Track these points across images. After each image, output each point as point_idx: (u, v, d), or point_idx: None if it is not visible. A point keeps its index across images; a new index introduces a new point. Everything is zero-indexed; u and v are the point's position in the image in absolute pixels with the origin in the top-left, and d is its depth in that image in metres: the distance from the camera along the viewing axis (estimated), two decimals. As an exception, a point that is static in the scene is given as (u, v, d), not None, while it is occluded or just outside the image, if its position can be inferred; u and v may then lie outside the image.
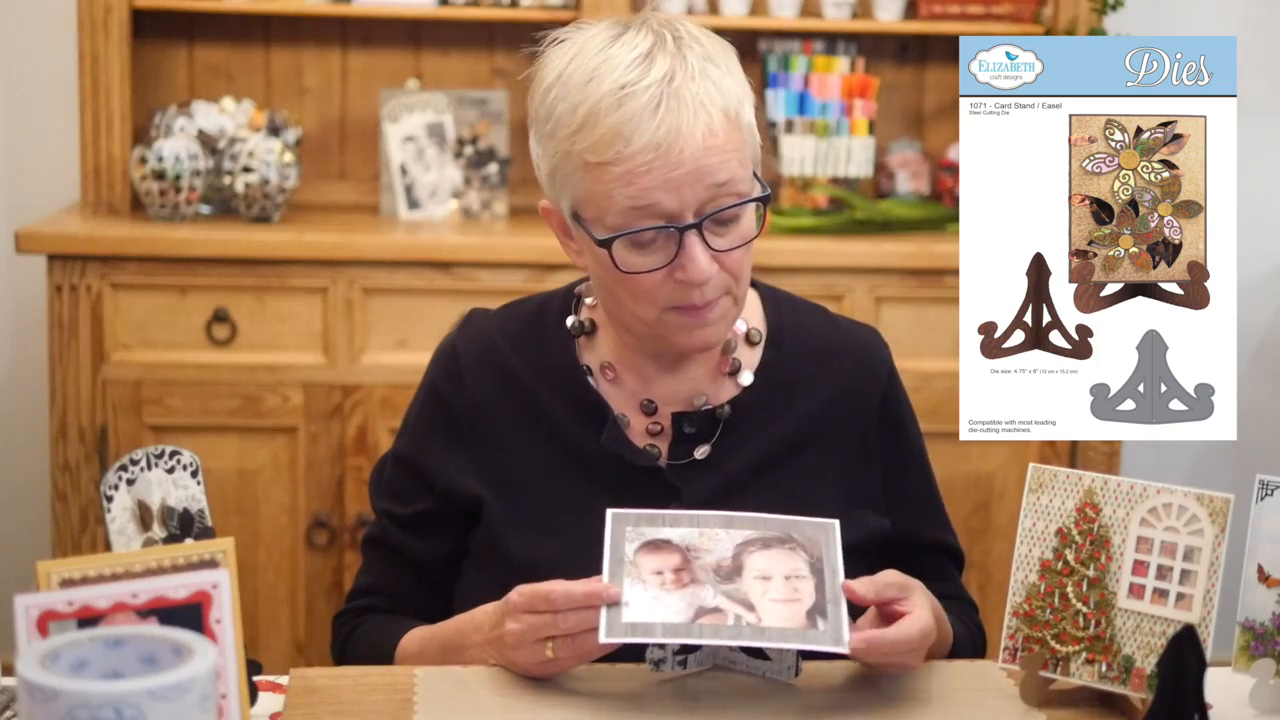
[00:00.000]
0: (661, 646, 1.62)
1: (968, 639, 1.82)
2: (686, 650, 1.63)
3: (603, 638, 1.53)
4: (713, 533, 1.61)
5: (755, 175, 1.74)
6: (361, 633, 1.85)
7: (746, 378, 1.83)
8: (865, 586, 1.59)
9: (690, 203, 1.68)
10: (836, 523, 1.62)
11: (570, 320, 1.85)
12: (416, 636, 1.78)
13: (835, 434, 1.83)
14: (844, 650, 1.54)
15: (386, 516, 1.86)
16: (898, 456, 1.86)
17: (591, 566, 1.59)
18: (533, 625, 1.59)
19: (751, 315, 1.87)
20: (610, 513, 1.60)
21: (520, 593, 1.60)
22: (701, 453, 1.80)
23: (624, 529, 1.60)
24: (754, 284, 1.87)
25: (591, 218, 1.71)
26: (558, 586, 1.57)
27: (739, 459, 1.79)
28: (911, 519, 1.85)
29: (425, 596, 1.84)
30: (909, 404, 1.90)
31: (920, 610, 1.60)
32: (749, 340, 1.85)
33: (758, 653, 1.64)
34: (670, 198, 1.67)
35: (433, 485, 1.82)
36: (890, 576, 1.62)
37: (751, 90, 1.76)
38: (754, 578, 1.57)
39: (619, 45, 1.70)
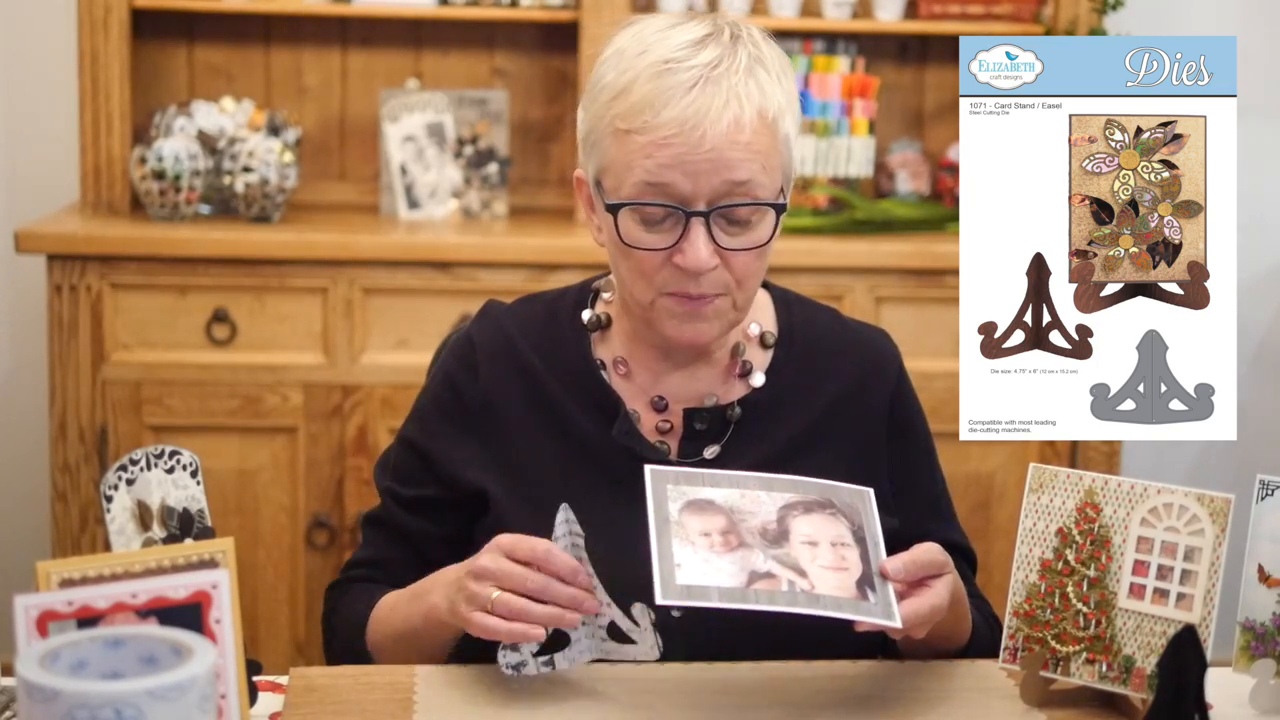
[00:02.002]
0: (517, 649, 1.60)
1: (987, 632, 1.82)
2: (549, 649, 1.61)
3: (659, 599, 1.51)
4: (754, 494, 1.60)
5: (784, 190, 1.75)
6: (349, 600, 1.86)
7: (758, 379, 1.84)
8: (901, 569, 1.58)
9: (704, 191, 1.69)
10: (871, 491, 1.63)
11: (586, 314, 1.86)
12: (390, 595, 1.79)
13: (843, 433, 1.83)
14: (897, 625, 1.54)
15: (390, 495, 1.87)
16: (906, 457, 1.87)
17: (596, 562, 1.61)
18: (501, 568, 1.59)
19: (764, 318, 1.87)
20: (649, 469, 1.59)
21: (510, 535, 1.61)
22: (711, 452, 1.80)
23: (665, 487, 1.59)
24: (766, 285, 1.88)
25: (610, 187, 1.73)
26: (522, 537, 1.59)
27: (748, 458, 1.79)
28: (920, 519, 1.85)
29: (419, 576, 1.84)
30: (918, 404, 1.91)
31: (939, 587, 1.61)
32: (762, 343, 1.86)
33: (622, 637, 1.63)
34: (685, 181, 1.68)
35: (439, 473, 1.83)
36: (926, 555, 1.61)
37: (799, 110, 1.78)
38: (801, 543, 1.57)
39: (678, 30, 1.75)
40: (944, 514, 1.91)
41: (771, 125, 1.71)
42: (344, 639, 1.84)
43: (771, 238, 1.74)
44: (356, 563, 1.90)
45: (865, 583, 1.55)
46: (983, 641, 1.79)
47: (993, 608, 1.90)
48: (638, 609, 1.62)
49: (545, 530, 1.75)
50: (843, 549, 1.57)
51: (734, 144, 1.68)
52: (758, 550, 1.55)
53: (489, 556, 1.61)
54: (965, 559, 1.91)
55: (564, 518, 1.61)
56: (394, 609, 1.77)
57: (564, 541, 1.60)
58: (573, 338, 1.85)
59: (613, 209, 1.72)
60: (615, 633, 1.63)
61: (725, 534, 1.56)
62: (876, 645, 1.80)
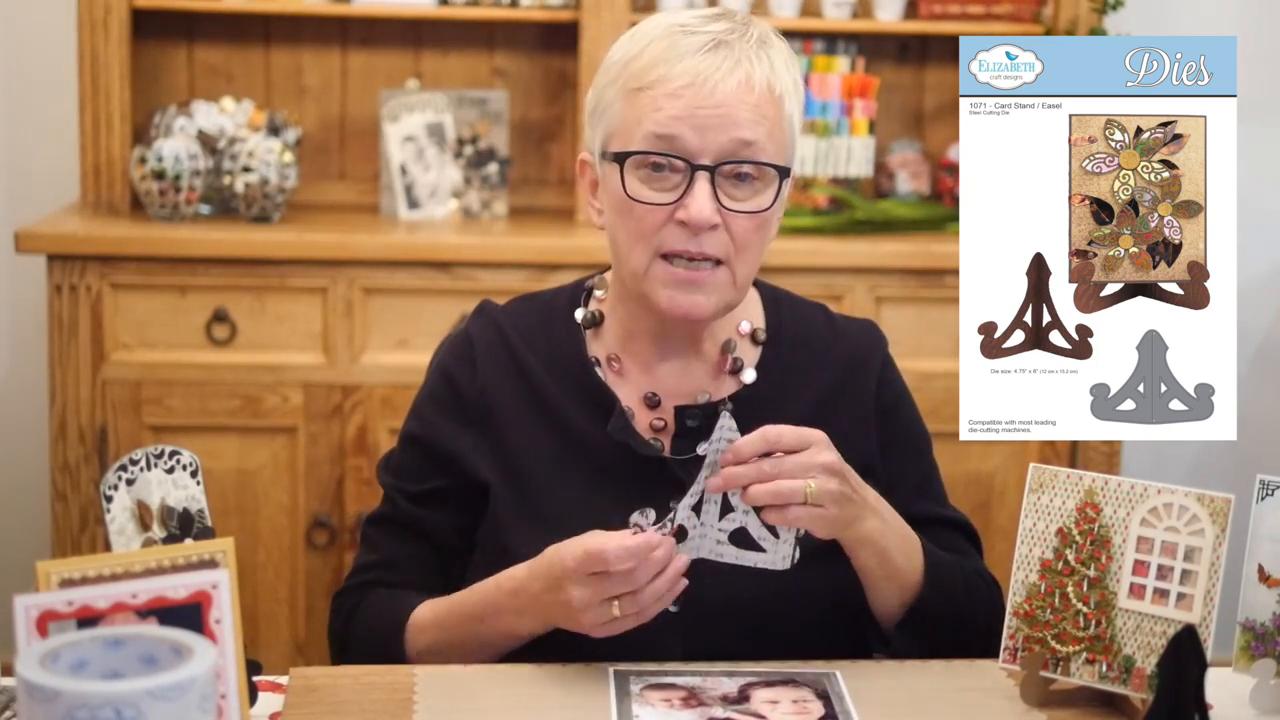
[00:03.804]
0: (643, 529, 1.62)
1: (957, 574, 1.80)
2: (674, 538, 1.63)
3: None
4: (716, 679, 1.63)
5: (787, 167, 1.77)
6: (366, 608, 1.83)
7: (750, 375, 1.84)
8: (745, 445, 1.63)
9: (711, 147, 1.72)
10: (839, 673, 1.65)
11: (580, 313, 1.86)
12: (430, 610, 1.76)
13: (835, 427, 1.82)
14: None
15: (397, 492, 1.85)
16: (892, 438, 1.87)
17: None
18: (601, 587, 1.59)
19: (754, 315, 1.88)
20: (612, 670, 1.64)
21: (574, 557, 1.60)
22: (704, 448, 1.80)
23: (626, 679, 1.63)
24: (756, 283, 1.88)
25: (617, 148, 1.75)
26: (608, 544, 1.58)
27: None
28: (906, 498, 1.84)
29: (433, 573, 1.83)
30: (904, 389, 1.91)
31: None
32: (753, 339, 1.86)
33: (750, 543, 1.64)
34: (694, 135, 1.71)
35: (445, 463, 1.82)
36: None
37: (803, 107, 1.80)
38: (763, 702, 1.60)
39: (691, 10, 1.80)
40: (934, 493, 1.91)
41: (778, 100, 1.74)
42: (372, 647, 1.78)
43: (773, 205, 1.75)
44: (365, 566, 1.87)
45: (829, 718, 1.57)
46: (952, 583, 1.78)
47: (1001, 591, 1.87)
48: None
49: (540, 526, 1.75)
50: (805, 703, 1.59)
51: (743, 103, 1.71)
52: (718, 707, 1.58)
53: (579, 591, 1.60)
54: (963, 534, 1.91)
55: (723, 423, 1.63)
56: (440, 627, 1.74)
57: (716, 446, 1.63)
58: (567, 336, 1.85)
59: (620, 158, 1.73)
60: (742, 540, 1.64)
61: (685, 700, 1.59)
62: (874, 645, 1.80)
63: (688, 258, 1.74)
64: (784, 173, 1.75)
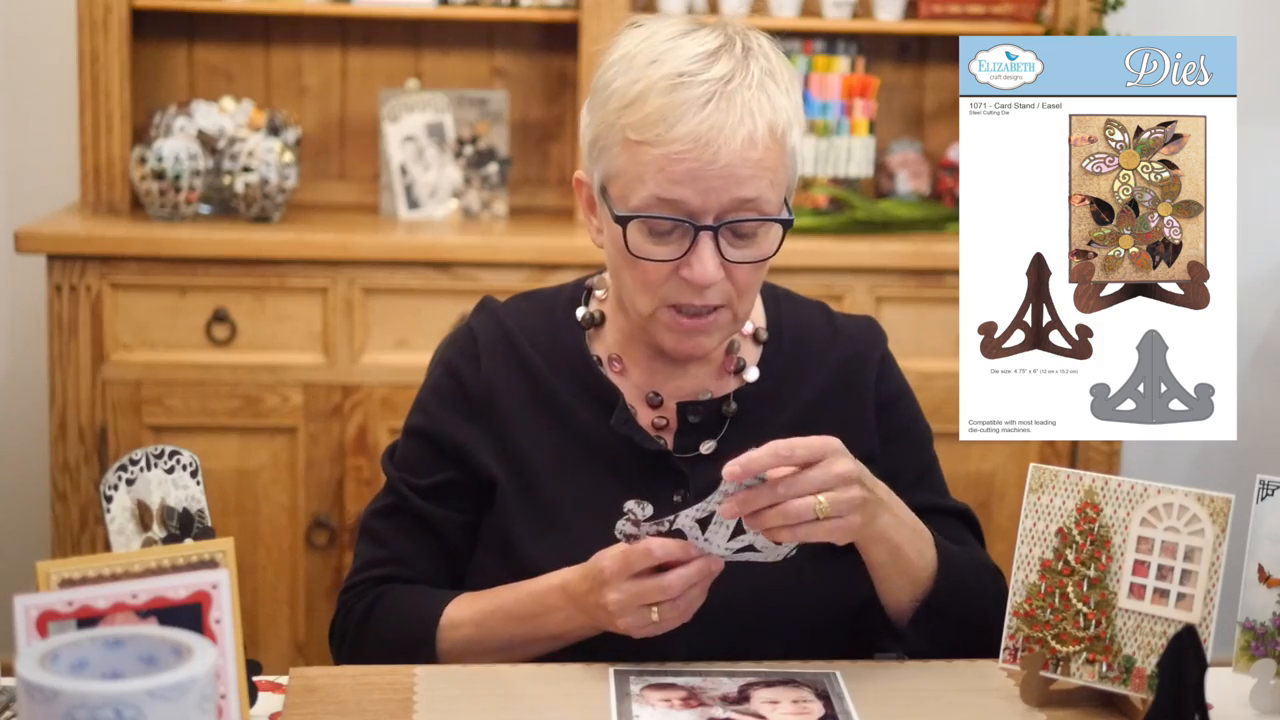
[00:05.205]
0: (637, 524, 1.62)
1: (970, 568, 1.80)
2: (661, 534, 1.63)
3: None
4: (716, 679, 1.63)
5: (786, 201, 1.75)
6: (387, 603, 1.81)
7: (752, 374, 1.84)
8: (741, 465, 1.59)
9: (713, 207, 1.70)
10: (839, 672, 1.65)
11: (580, 312, 1.86)
12: (466, 606, 1.76)
13: (836, 423, 1.82)
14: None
15: (405, 485, 1.84)
16: (892, 431, 1.87)
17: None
18: (638, 592, 1.61)
19: (755, 314, 1.88)
20: (611, 671, 1.64)
21: (612, 558, 1.62)
22: (707, 448, 1.81)
23: (626, 679, 1.63)
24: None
25: (617, 195, 1.73)
26: (652, 546, 1.60)
27: (743, 451, 1.78)
28: (906, 490, 1.83)
29: (444, 568, 1.83)
30: (904, 384, 1.91)
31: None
32: (755, 339, 1.87)
33: (746, 547, 1.64)
34: (696, 197, 1.69)
35: (452, 456, 1.82)
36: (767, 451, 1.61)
37: (803, 114, 1.78)
38: (763, 702, 1.60)
39: (690, 39, 1.73)
40: (934, 484, 1.90)
41: (781, 139, 1.72)
42: (399, 642, 1.76)
43: (776, 250, 1.75)
44: (374, 561, 1.85)
45: (829, 718, 1.57)
46: (963, 573, 1.77)
47: (1004, 581, 1.86)
48: None
49: (544, 520, 1.75)
50: (805, 703, 1.59)
51: (746, 160, 1.69)
52: (718, 707, 1.58)
53: (615, 595, 1.62)
54: (964, 523, 1.90)
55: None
56: (481, 626, 1.74)
57: (725, 491, 1.62)
58: (569, 333, 1.85)
59: (622, 220, 1.72)
60: (745, 550, 1.64)
61: (685, 700, 1.59)
62: (885, 641, 1.80)
63: (692, 309, 1.74)
64: (787, 224, 1.74)
